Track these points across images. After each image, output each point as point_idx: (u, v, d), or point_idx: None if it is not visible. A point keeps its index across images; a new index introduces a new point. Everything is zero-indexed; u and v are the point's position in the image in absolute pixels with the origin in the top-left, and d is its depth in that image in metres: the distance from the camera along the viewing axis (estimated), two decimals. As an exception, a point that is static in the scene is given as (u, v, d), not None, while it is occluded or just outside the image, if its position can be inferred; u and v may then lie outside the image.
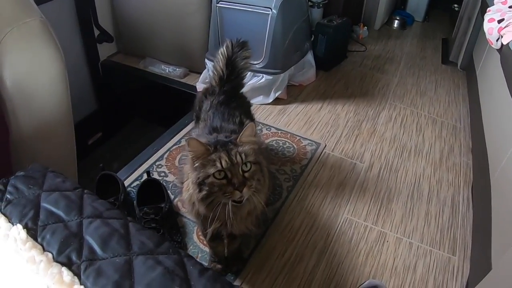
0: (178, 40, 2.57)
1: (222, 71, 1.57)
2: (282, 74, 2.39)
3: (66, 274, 0.58)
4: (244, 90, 2.29)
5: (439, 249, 1.60)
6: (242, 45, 1.60)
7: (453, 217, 1.76)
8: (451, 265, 1.54)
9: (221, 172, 1.06)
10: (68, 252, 0.61)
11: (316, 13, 2.91)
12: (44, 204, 0.68)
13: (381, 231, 1.65)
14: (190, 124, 2.06)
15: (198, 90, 2.42)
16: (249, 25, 2.33)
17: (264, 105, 2.39)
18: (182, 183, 1.21)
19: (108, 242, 0.62)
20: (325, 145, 2.10)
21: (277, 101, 2.43)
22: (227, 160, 1.06)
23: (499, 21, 1.81)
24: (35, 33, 0.93)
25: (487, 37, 1.87)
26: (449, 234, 1.68)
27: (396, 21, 3.78)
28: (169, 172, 1.83)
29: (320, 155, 2.03)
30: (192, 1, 2.40)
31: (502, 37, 1.75)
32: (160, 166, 1.86)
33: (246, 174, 1.08)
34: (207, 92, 1.56)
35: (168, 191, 1.68)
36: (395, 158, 2.06)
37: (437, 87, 2.78)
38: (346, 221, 1.68)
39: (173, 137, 2.04)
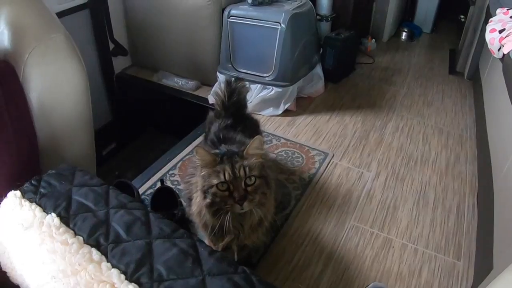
0: (191, 54, 2.66)
1: (224, 97, 1.64)
2: (291, 87, 2.46)
3: (95, 253, 0.65)
4: (254, 102, 2.39)
5: (444, 255, 1.64)
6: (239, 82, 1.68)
7: (459, 224, 1.80)
8: (456, 271, 1.58)
9: (224, 184, 1.09)
10: (97, 236, 0.69)
11: (325, 27, 2.98)
12: (74, 197, 0.76)
13: (387, 237, 1.70)
14: (202, 135, 2.13)
15: (210, 102, 2.50)
16: (259, 39, 2.41)
17: (273, 117, 2.46)
18: (190, 199, 1.24)
19: (131, 228, 0.70)
20: (333, 155, 2.16)
21: (286, 112, 2.49)
22: (230, 173, 1.08)
23: (500, 31, 1.86)
24: (60, 48, 1.01)
25: (489, 47, 1.92)
26: (454, 240, 1.72)
27: (404, 33, 3.84)
28: (181, 181, 1.90)
29: (328, 164, 2.09)
30: (204, 16, 2.49)
31: (503, 46, 1.80)
32: (173, 175, 1.93)
33: (249, 188, 1.11)
34: (215, 114, 1.64)
35: (181, 199, 1.75)
36: (402, 167, 2.11)
37: (444, 98, 2.83)
38: (352, 228, 1.73)
39: (186, 147, 2.12)
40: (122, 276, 0.63)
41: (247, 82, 1.75)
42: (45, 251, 0.68)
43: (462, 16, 3.35)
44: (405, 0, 3.97)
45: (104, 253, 0.67)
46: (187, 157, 2.06)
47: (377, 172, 2.06)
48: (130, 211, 0.74)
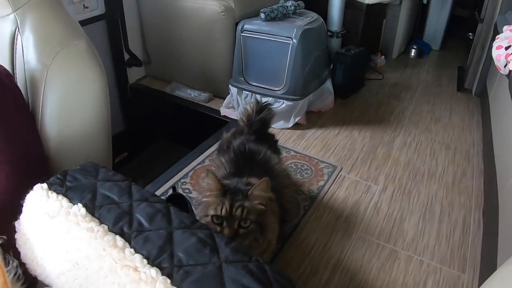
0: (204, 66, 2.73)
1: (251, 116, 1.70)
2: (301, 101, 2.51)
3: (119, 240, 0.70)
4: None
5: (449, 267, 1.67)
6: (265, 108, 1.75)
7: (464, 237, 1.83)
8: (461, 282, 1.61)
9: (219, 218, 1.10)
10: (121, 225, 0.74)
11: (335, 43, 3.04)
12: (99, 190, 0.81)
13: (393, 249, 1.74)
14: (214, 145, 2.19)
15: (222, 114, 2.56)
16: (271, 54, 2.47)
17: (284, 130, 2.51)
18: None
19: (153, 218, 0.75)
20: (341, 168, 2.20)
21: (296, 126, 2.54)
22: (228, 209, 1.09)
23: (507, 48, 1.91)
24: (82, 54, 1.07)
25: (495, 63, 1.97)
26: (460, 253, 1.75)
27: (413, 50, 3.89)
28: (193, 189, 1.95)
29: (337, 177, 2.13)
30: (218, 29, 2.56)
31: (509, 63, 1.85)
32: (184, 183, 1.99)
33: (241, 230, 1.10)
34: (236, 133, 1.69)
35: (192, 206, 1.80)
36: (409, 181, 2.15)
37: (452, 114, 2.87)
38: (359, 239, 1.77)
39: (197, 157, 2.17)
40: (145, 261, 0.68)
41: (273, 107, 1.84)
42: (70, 238, 0.73)
43: (470, 34, 3.41)
44: (414, 18, 4.02)
45: (127, 240, 0.72)
46: (198, 166, 2.11)
47: (385, 186, 2.10)
48: (152, 204, 0.79)
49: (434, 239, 1.81)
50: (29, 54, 1.04)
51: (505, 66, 1.90)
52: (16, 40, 1.05)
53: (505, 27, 2.17)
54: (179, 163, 2.12)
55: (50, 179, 0.85)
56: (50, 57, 1.01)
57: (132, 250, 0.70)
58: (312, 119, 2.64)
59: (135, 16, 2.84)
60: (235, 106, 2.58)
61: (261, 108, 1.72)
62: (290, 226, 1.77)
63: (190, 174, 2.05)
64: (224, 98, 2.67)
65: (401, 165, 2.28)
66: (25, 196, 0.85)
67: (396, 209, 1.96)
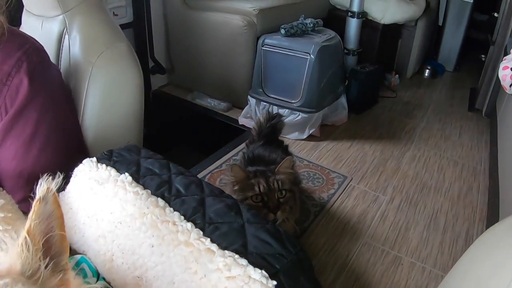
0: (225, 77, 2.88)
1: (262, 125, 1.80)
2: (316, 114, 2.63)
3: (161, 201, 0.84)
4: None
5: (450, 275, 1.76)
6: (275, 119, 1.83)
7: (466, 247, 1.90)
8: (460, 289, 1.70)
9: (258, 196, 1.21)
10: (162, 191, 0.89)
11: (351, 60, 3.15)
12: (142, 164, 0.96)
13: (397, 255, 1.83)
14: (231, 152, 2.32)
15: (240, 123, 2.69)
16: (289, 67, 2.60)
17: (298, 140, 2.63)
18: None
19: (189, 187, 0.90)
20: (352, 178, 2.31)
21: (310, 137, 2.66)
22: (265, 185, 1.21)
23: (512, 68, 2.01)
24: (123, 54, 1.21)
25: (501, 83, 2.06)
26: (461, 262, 1.83)
27: (427, 70, 3.99)
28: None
29: (347, 186, 2.24)
30: (240, 43, 2.71)
31: (514, 82, 1.94)
32: (202, 186, 2.11)
33: (281, 200, 1.22)
34: (249, 142, 1.81)
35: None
36: (416, 193, 2.25)
37: (462, 133, 2.97)
38: (365, 244, 1.87)
39: (214, 162, 2.30)
40: (182, 217, 0.82)
41: (284, 118, 1.94)
42: (118, 200, 0.86)
43: (483, 56, 3.50)
44: (429, 39, 4.12)
45: (167, 202, 0.86)
46: (215, 170, 2.23)
47: (392, 197, 2.20)
48: (187, 176, 0.94)
49: (437, 248, 1.90)
50: (75, 52, 1.18)
51: (510, 86, 2.00)
52: (63, 38, 1.20)
53: (512, 49, 2.27)
54: (197, 166, 2.25)
55: (98, 155, 0.98)
56: (96, 55, 1.16)
57: (171, 209, 0.84)
58: (326, 132, 2.76)
59: (161, 26, 3.00)
60: (253, 116, 2.71)
61: (272, 117, 1.82)
62: (301, 228, 1.88)
63: (207, 177, 2.17)
64: (242, 108, 2.80)
65: (409, 178, 2.38)
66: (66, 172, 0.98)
67: (402, 218, 2.05)
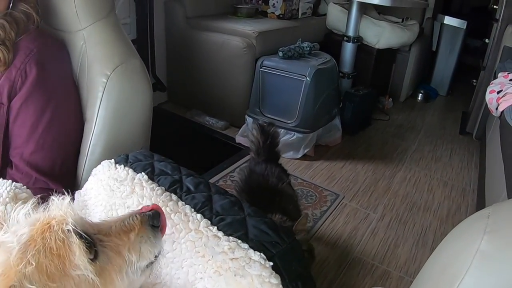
0: (223, 96, 2.98)
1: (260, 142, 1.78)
2: (311, 134, 2.72)
3: (174, 196, 0.95)
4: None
5: (436, 289, 1.83)
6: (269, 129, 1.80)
7: (452, 265, 1.99)
8: (446, 304, 1.77)
9: None
10: (174, 188, 1.00)
11: (346, 83, 3.25)
12: (156, 166, 1.07)
13: (386, 269, 1.90)
14: (228, 168, 2.41)
15: (237, 141, 2.78)
16: (286, 89, 2.69)
17: (293, 160, 2.71)
18: None
19: (198, 186, 1.02)
20: (344, 196, 2.39)
21: (305, 157, 2.74)
22: None
23: (498, 92, 2.11)
24: (136, 70, 1.33)
25: (488, 106, 2.16)
26: (447, 278, 1.90)
27: (420, 94, 4.11)
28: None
29: (339, 204, 2.32)
30: (239, 64, 2.82)
31: (499, 105, 2.04)
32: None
33: None
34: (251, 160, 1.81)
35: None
36: (405, 212, 2.33)
37: (452, 155, 3.06)
38: (355, 259, 1.94)
39: (212, 177, 2.38)
40: (192, 209, 0.93)
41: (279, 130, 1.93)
42: (135, 196, 0.97)
43: (474, 80, 3.61)
44: (423, 64, 4.24)
45: (179, 197, 0.98)
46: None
47: (382, 215, 2.28)
48: (196, 178, 1.06)
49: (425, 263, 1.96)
50: (92, 65, 1.29)
51: (496, 109, 2.10)
52: (82, 51, 1.31)
53: (500, 74, 2.38)
54: (195, 181, 2.32)
55: (115, 158, 1.08)
56: (111, 69, 1.26)
57: (183, 202, 0.95)
58: (320, 152, 2.84)
59: (163, 44, 3.11)
60: (249, 135, 2.79)
61: (262, 126, 1.79)
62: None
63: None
64: (239, 127, 2.89)
65: (400, 197, 2.46)
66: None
67: (391, 235, 2.13)
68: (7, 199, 0.94)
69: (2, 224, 0.66)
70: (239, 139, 2.81)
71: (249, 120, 2.80)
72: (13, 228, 0.63)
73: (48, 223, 0.63)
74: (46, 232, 0.62)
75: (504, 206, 0.66)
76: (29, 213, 0.66)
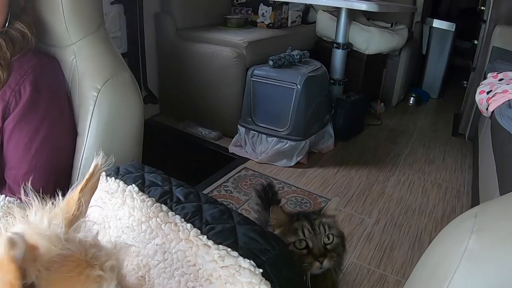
0: (215, 106, 2.98)
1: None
2: (304, 141, 2.72)
3: (164, 207, 0.96)
4: (270, 153, 2.66)
5: (433, 292, 1.83)
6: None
7: (449, 266, 1.99)
8: (443, 306, 1.77)
9: (302, 242, 1.07)
10: (165, 199, 1.00)
11: (337, 89, 3.25)
12: (147, 177, 1.07)
13: (382, 273, 1.90)
14: (221, 178, 2.41)
15: (230, 151, 2.79)
16: (277, 97, 2.70)
17: (286, 167, 2.71)
18: None
19: (188, 196, 1.02)
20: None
21: (298, 164, 2.74)
22: (310, 229, 1.07)
23: (488, 92, 2.12)
24: (126, 83, 1.33)
25: (479, 107, 2.18)
26: (444, 280, 1.90)
27: (412, 98, 4.13)
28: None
29: (334, 210, 2.32)
30: (230, 74, 2.83)
31: (489, 105, 2.05)
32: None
33: (328, 246, 1.08)
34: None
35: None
36: (400, 216, 2.33)
37: (446, 156, 3.07)
38: (352, 264, 1.94)
39: (205, 188, 2.38)
40: (182, 219, 0.93)
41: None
42: (126, 207, 0.97)
43: (464, 82, 3.64)
44: (413, 67, 4.27)
45: (170, 207, 0.97)
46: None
47: (377, 219, 2.28)
48: (186, 188, 1.06)
49: (421, 267, 1.97)
50: (83, 78, 1.30)
51: (486, 109, 2.11)
52: (72, 66, 1.31)
53: (489, 74, 2.40)
54: (189, 193, 2.32)
55: (106, 170, 1.09)
56: (102, 82, 1.27)
57: (173, 213, 0.95)
58: (313, 159, 2.85)
59: (154, 56, 3.12)
60: (242, 144, 2.80)
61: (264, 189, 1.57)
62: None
63: (199, 203, 2.25)
64: (232, 137, 2.90)
65: (394, 201, 2.46)
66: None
67: (387, 239, 2.13)
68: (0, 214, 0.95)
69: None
70: (232, 149, 2.81)
71: (241, 129, 2.81)
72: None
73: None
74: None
75: (491, 205, 0.67)
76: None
